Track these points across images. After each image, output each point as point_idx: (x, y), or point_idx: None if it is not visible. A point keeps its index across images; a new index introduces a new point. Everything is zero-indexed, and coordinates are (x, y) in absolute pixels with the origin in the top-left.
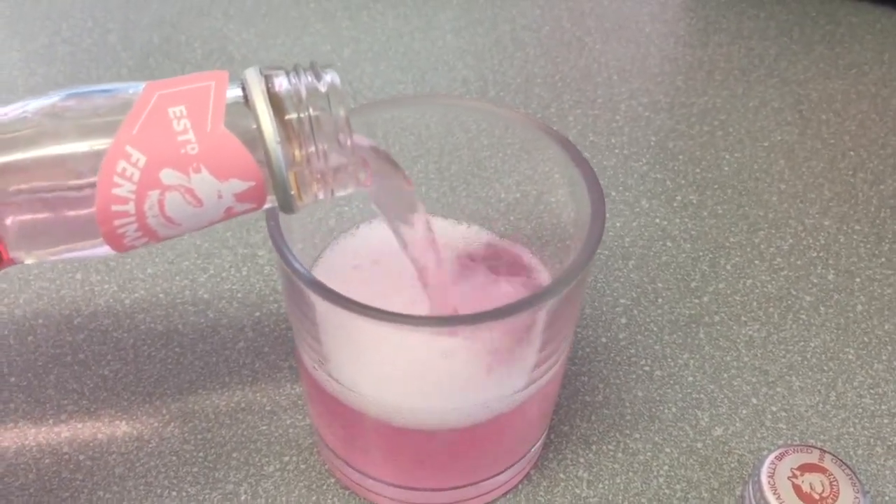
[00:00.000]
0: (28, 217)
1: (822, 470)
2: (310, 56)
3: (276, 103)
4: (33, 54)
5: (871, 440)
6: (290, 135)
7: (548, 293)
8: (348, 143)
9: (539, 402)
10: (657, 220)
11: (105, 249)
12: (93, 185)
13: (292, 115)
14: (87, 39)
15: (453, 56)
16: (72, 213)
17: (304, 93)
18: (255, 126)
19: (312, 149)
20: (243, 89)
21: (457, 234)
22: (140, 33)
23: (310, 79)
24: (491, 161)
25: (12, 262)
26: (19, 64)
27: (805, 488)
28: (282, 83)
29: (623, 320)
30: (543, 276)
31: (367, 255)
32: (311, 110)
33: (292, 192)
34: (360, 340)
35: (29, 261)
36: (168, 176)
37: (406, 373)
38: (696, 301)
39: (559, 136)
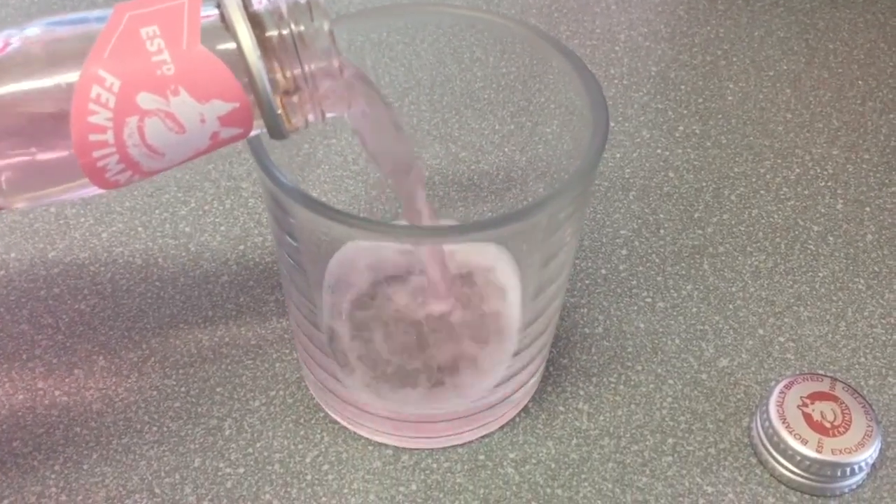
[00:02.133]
0: (10, 160)
1: (834, 398)
2: None
3: (256, 21)
4: None
5: (883, 370)
6: (272, 54)
7: (554, 198)
8: (333, 56)
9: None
10: (658, 151)
11: (90, 189)
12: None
13: (273, 33)
14: None
15: None
16: (54, 150)
17: (284, 8)
18: (234, 46)
19: (297, 65)
20: (219, 7)
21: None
22: None
23: None
24: (484, 92)
25: (0, 208)
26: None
27: (816, 417)
28: (260, 0)
29: (623, 251)
30: None
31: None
32: (293, 25)
33: (279, 112)
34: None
35: (18, 205)
36: (145, 100)
37: None
38: (700, 232)
39: (558, 42)
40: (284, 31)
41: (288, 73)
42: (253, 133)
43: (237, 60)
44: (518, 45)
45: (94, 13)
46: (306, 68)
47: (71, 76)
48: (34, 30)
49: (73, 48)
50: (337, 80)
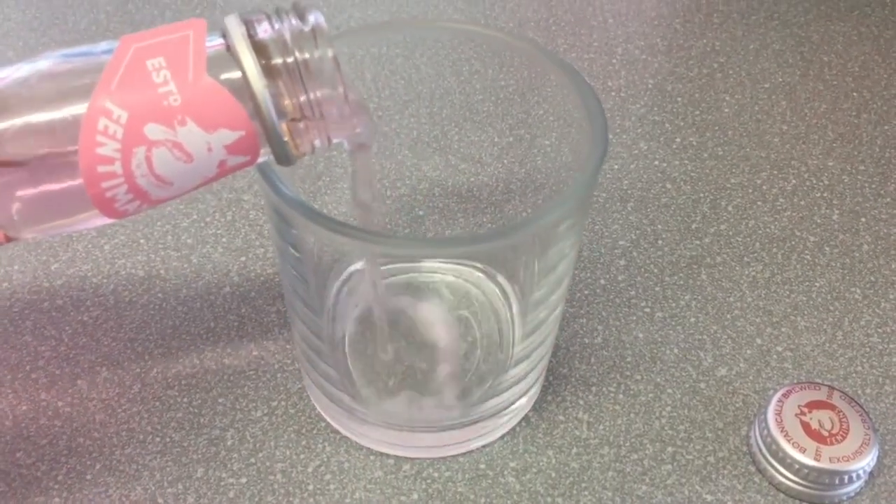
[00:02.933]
0: (23, 192)
1: (831, 407)
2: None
3: (261, 49)
4: (6, 0)
5: (880, 379)
6: (277, 81)
7: (550, 209)
8: (338, 82)
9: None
10: (656, 163)
11: (101, 220)
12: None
13: (278, 61)
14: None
15: (444, 0)
16: (64, 183)
17: (288, 36)
18: (239, 74)
19: (303, 94)
20: (224, 37)
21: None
22: None
23: (293, 21)
24: (483, 105)
25: (10, 240)
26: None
27: (814, 425)
28: (265, 28)
29: (622, 262)
30: None
31: None
32: (297, 53)
33: (286, 139)
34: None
35: (25, 237)
36: (153, 131)
37: None
38: (698, 242)
39: (556, 57)
40: (289, 59)
41: (293, 100)
42: (260, 160)
43: (243, 89)
44: (516, 59)
45: (100, 46)
46: (311, 95)
47: (78, 109)
48: (41, 63)
49: (80, 81)
50: (342, 105)
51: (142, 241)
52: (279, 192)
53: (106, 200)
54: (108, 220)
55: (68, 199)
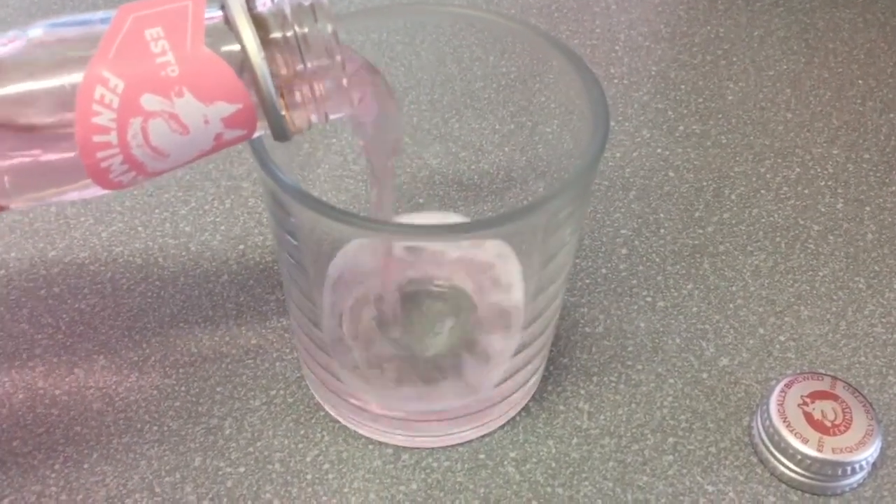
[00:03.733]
0: (11, 161)
1: (834, 397)
2: None
3: (260, 23)
4: None
5: (884, 369)
6: (276, 55)
7: (550, 199)
8: (338, 58)
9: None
10: (658, 150)
11: (93, 190)
12: (73, 120)
13: (277, 34)
14: None
15: None
16: (57, 151)
17: (287, 11)
18: (238, 47)
19: (301, 67)
20: (223, 9)
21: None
22: None
23: None
24: (484, 92)
25: (1, 209)
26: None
27: (816, 416)
28: (264, 2)
29: (624, 251)
30: None
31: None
32: (296, 27)
33: (283, 114)
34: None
35: (16, 206)
36: (149, 101)
37: None
38: (700, 231)
39: (556, 41)
40: (288, 33)
41: (291, 74)
42: (256, 134)
43: (241, 62)
44: (518, 45)
45: (97, 14)
46: (310, 69)
47: (75, 77)
48: (37, 31)
49: (77, 49)
50: (340, 80)
51: (139, 228)
52: (277, 178)
53: (101, 171)
54: (102, 191)
55: (62, 168)
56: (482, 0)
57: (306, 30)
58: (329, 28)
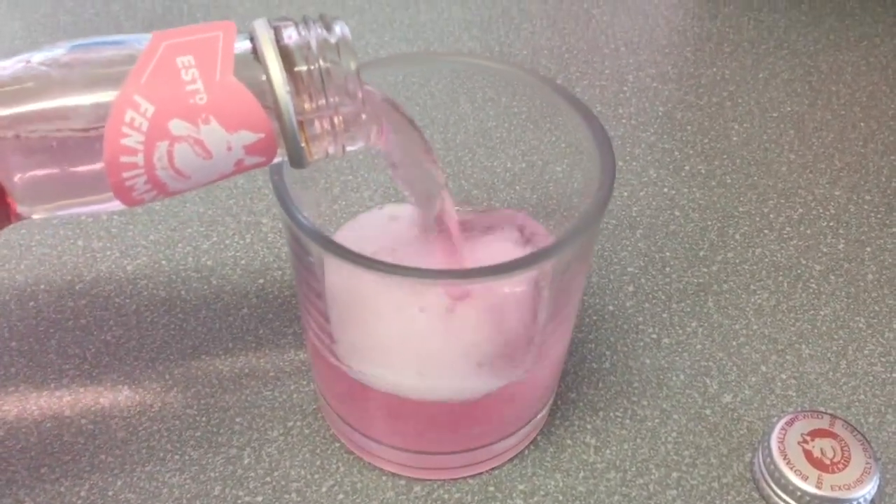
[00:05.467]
0: (36, 170)
1: (833, 435)
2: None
3: (286, 55)
4: (35, 24)
5: (883, 408)
6: (299, 87)
7: (556, 248)
8: (359, 95)
9: (546, 370)
10: (665, 190)
11: (113, 204)
12: (101, 137)
13: (302, 67)
14: (90, 9)
15: (459, 27)
16: (80, 165)
17: (314, 44)
18: (264, 77)
19: (322, 101)
20: (252, 41)
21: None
22: (142, 2)
23: (319, 30)
24: (496, 131)
25: (20, 217)
26: (21, 33)
27: (816, 453)
28: (291, 35)
29: (630, 288)
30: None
31: (380, 241)
32: (321, 62)
33: (302, 145)
34: (364, 306)
35: (36, 216)
36: (177, 126)
37: (410, 343)
38: (705, 270)
39: (566, 91)
40: (312, 67)
41: (313, 107)
42: (275, 161)
43: (266, 93)
44: (528, 91)
45: (124, 38)
46: (331, 103)
47: (104, 97)
48: (59, 50)
49: (108, 71)
50: (359, 116)
51: (163, 262)
52: (298, 222)
53: (125, 189)
54: (122, 205)
55: (87, 183)
56: (495, 41)
57: (330, 65)
58: (352, 65)
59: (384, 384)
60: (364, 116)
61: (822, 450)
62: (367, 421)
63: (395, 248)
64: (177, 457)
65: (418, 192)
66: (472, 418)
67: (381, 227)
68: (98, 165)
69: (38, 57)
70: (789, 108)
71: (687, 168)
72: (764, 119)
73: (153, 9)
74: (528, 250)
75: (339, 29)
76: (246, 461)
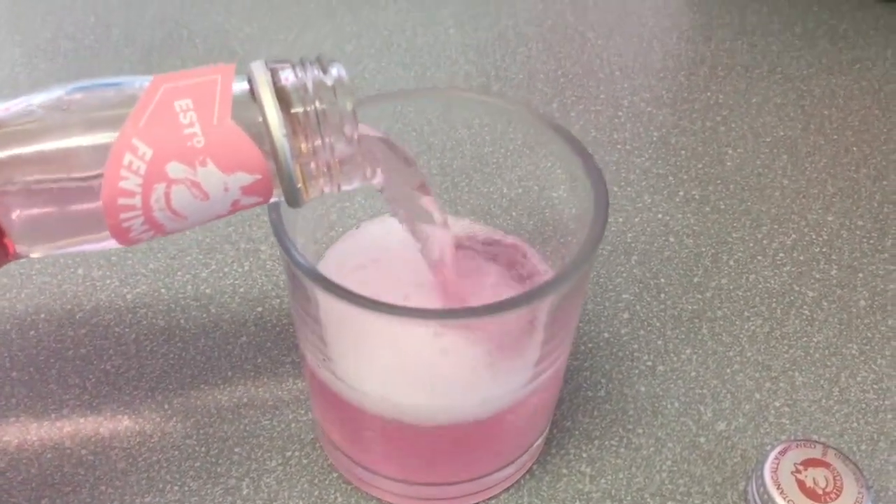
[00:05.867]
0: (34, 211)
1: (826, 465)
2: (312, 51)
3: (283, 96)
4: (35, 50)
5: (875, 435)
6: (296, 128)
7: (550, 287)
8: (355, 136)
9: (541, 397)
10: (659, 216)
11: (111, 242)
12: (99, 179)
13: (298, 109)
14: (90, 35)
15: (455, 51)
16: (78, 206)
17: (310, 86)
18: (261, 119)
19: (319, 142)
20: (249, 82)
21: (459, 228)
22: (142, 29)
23: (316, 72)
24: (493, 157)
25: (18, 256)
26: (21, 60)
27: (808, 483)
28: (288, 76)
29: (625, 315)
30: (543, 268)
31: (369, 253)
32: (317, 103)
33: (299, 186)
34: (362, 336)
35: (35, 255)
36: (174, 169)
37: (409, 369)
38: (699, 296)
39: (561, 128)
40: (309, 108)
41: (309, 148)
42: (271, 201)
43: (263, 135)
44: (523, 123)
45: (129, 80)
46: (327, 143)
47: (102, 139)
48: (57, 92)
49: (107, 114)
50: (355, 155)
51: (163, 290)
52: (296, 261)
53: (122, 230)
54: (118, 245)
55: (84, 224)
56: (491, 66)
57: (326, 106)
58: (349, 106)
59: (381, 404)
60: (360, 157)
61: (814, 479)
62: (364, 451)
63: (380, 258)
64: (176, 487)
65: (415, 228)
66: (469, 445)
67: (371, 240)
68: (96, 206)
69: (38, 99)
70: (782, 133)
71: (681, 193)
72: (757, 144)
73: (153, 35)
74: (521, 284)
75: (336, 70)
76: (245, 492)
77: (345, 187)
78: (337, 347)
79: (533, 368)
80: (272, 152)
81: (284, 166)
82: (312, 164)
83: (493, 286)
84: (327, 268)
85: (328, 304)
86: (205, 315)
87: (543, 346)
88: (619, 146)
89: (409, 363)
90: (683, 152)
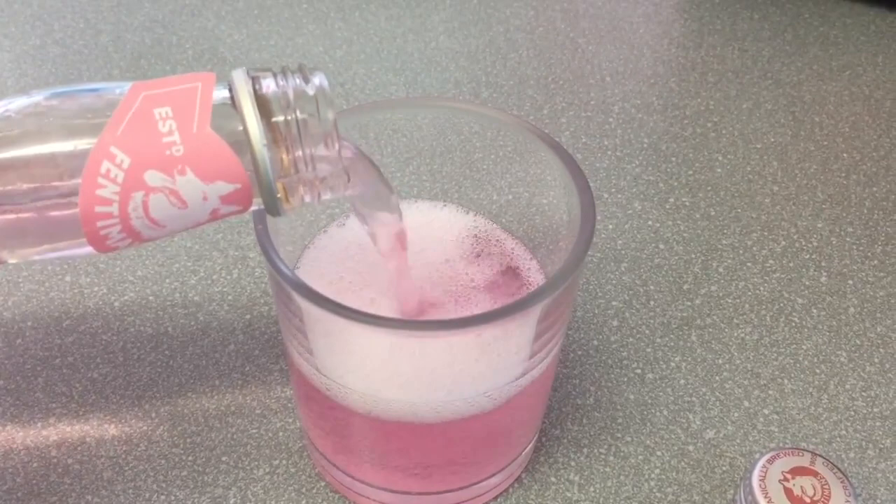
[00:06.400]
0: (11, 217)
1: (814, 473)
2: (302, 57)
3: (263, 105)
4: (24, 55)
5: (863, 443)
6: (276, 137)
7: (538, 296)
8: (336, 146)
9: (529, 402)
10: (650, 223)
11: (87, 249)
12: (76, 186)
13: (279, 118)
14: (79, 41)
15: (446, 57)
16: (55, 213)
17: (291, 95)
18: (241, 128)
19: (299, 152)
20: (230, 90)
21: (465, 222)
22: (132, 34)
23: (298, 81)
24: (483, 163)
25: None
26: (10, 65)
27: (796, 492)
28: (269, 85)
29: (615, 323)
30: (534, 271)
31: (353, 246)
32: (298, 113)
33: (279, 196)
34: (347, 341)
35: (12, 260)
36: (153, 177)
37: (394, 370)
38: (689, 303)
39: (549, 139)
40: (290, 117)
41: (289, 157)
42: (250, 210)
43: (243, 143)
44: (512, 132)
45: (108, 86)
46: (308, 153)
47: (80, 146)
48: (37, 97)
49: (85, 122)
50: (336, 165)
51: (151, 298)
52: (280, 272)
53: (99, 238)
54: (95, 252)
55: (61, 230)
56: (482, 72)
57: (307, 116)
58: (330, 115)
59: (364, 400)
60: (340, 165)
61: (802, 488)
62: (351, 458)
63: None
64: (163, 497)
65: (377, 231)
66: (456, 451)
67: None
68: (73, 213)
69: (15, 104)
70: (773, 139)
71: (671, 200)
72: (748, 150)
73: (142, 41)
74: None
75: (318, 80)
76: (232, 501)
77: (325, 197)
78: (321, 351)
79: (521, 375)
80: (252, 162)
81: (265, 177)
82: (293, 174)
83: (483, 292)
84: (310, 265)
85: (310, 311)
86: (193, 323)
87: (531, 355)
88: (609, 152)
89: (394, 365)
90: (674, 159)
